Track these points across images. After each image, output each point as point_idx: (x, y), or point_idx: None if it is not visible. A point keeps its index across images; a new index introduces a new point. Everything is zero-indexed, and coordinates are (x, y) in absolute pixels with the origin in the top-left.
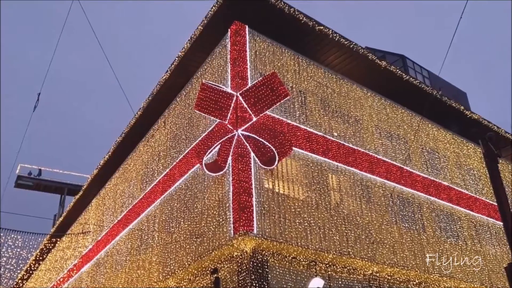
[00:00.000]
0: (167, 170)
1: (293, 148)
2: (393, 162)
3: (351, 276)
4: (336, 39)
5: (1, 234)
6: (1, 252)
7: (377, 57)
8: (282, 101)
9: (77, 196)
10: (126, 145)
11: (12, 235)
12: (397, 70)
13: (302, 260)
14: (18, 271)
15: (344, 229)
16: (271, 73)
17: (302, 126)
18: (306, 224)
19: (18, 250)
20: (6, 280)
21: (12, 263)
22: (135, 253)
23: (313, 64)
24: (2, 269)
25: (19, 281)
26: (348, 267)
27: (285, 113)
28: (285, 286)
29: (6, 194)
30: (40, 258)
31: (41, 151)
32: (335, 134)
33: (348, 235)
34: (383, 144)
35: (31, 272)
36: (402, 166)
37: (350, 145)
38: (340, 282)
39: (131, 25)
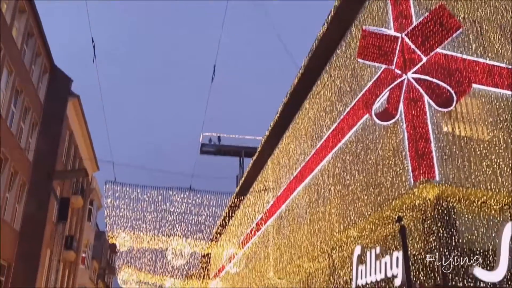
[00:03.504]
0: (335, 124)
1: (473, 85)
2: None
3: None
4: None
5: (199, 195)
6: (199, 211)
7: None
8: (454, 36)
9: (254, 158)
10: (292, 104)
11: (207, 196)
12: None
13: (493, 204)
14: (215, 227)
15: None
16: (438, 6)
17: (480, 60)
18: (495, 166)
19: (213, 208)
20: (206, 235)
21: (210, 220)
22: (314, 205)
23: None
24: (202, 226)
25: (216, 235)
26: None
27: (459, 48)
28: (475, 232)
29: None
30: (232, 214)
31: (218, 119)
32: None
33: None
34: None
35: (225, 226)
36: None
37: None
38: None
39: None
